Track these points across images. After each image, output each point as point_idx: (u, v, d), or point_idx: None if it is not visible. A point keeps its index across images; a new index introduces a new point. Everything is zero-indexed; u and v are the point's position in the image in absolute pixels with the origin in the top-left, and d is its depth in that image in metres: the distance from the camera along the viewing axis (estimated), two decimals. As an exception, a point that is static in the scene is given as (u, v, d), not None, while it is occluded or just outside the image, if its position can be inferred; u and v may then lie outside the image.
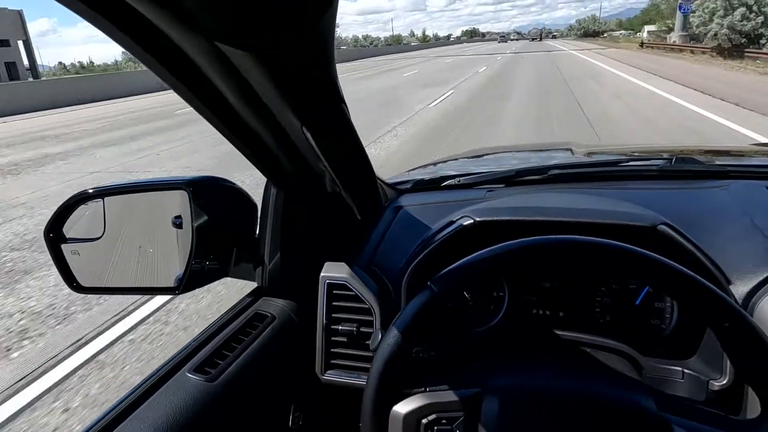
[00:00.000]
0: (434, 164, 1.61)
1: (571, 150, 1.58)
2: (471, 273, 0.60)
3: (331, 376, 0.86)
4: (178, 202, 0.84)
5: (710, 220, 0.87)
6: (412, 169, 1.50)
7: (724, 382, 0.70)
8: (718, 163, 1.25)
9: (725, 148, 2.12)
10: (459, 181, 1.18)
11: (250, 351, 0.78)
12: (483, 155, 1.75)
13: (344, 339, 0.84)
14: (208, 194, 0.84)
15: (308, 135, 0.56)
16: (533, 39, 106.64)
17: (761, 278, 0.72)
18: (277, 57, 0.45)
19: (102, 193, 0.85)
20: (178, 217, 0.85)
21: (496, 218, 0.82)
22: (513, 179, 1.15)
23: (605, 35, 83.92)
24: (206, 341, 0.79)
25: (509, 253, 0.58)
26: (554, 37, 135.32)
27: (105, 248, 0.87)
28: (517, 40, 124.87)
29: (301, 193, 0.81)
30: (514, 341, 0.88)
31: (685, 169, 1.14)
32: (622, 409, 0.57)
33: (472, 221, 0.83)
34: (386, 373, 0.59)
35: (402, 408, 0.62)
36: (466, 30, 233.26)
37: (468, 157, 1.74)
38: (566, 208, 0.84)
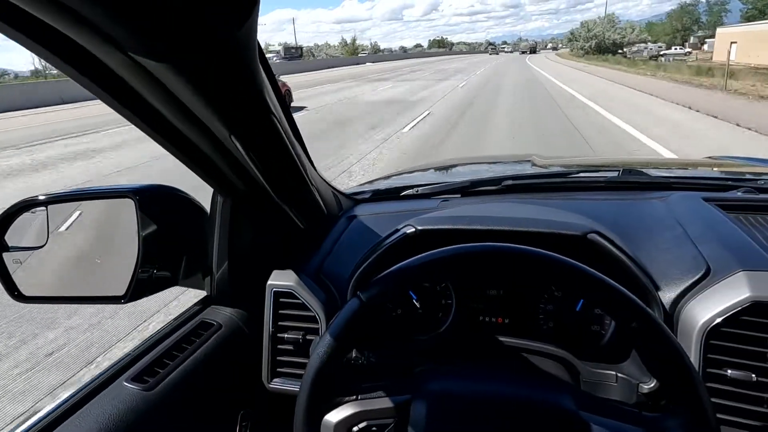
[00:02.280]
0: (397, 175, 1.64)
1: (531, 161, 1.64)
2: (399, 281, 0.61)
3: (277, 384, 0.86)
4: (124, 210, 0.84)
5: (646, 229, 0.91)
6: (374, 180, 1.53)
7: (652, 385, 0.74)
8: (661, 175, 1.31)
9: (674, 161, 2.22)
10: (417, 191, 1.21)
11: (193, 359, 0.78)
12: (447, 166, 1.79)
13: (290, 347, 0.85)
14: (156, 203, 0.84)
15: (237, 143, 0.57)
16: (523, 52, 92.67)
17: (687, 284, 0.76)
18: (194, 67, 0.45)
19: (46, 201, 0.84)
20: (125, 225, 0.84)
21: (436, 227, 0.85)
22: (468, 189, 1.19)
23: (625, 52, 54.97)
24: (147, 350, 0.78)
25: (434, 261, 0.60)
26: (555, 48, 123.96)
27: (48, 257, 0.86)
28: (510, 51, 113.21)
29: (248, 202, 0.81)
30: (460, 348, 0.90)
31: (630, 180, 1.19)
32: (544, 410, 0.60)
33: (413, 230, 0.85)
34: (317, 383, 0.59)
35: (333, 417, 0.63)
36: (434, 40, 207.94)
37: (431, 168, 1.78)
38: (504, 217, 0.88)
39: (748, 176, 1.24)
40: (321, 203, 0.78)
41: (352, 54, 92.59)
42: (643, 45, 58.80)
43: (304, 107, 13.49)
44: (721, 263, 0.75)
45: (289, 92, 13.36)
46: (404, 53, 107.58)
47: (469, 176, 1.31)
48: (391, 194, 1.22)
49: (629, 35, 61.16)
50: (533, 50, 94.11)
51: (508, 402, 0.62)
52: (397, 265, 0.61)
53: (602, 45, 58.35)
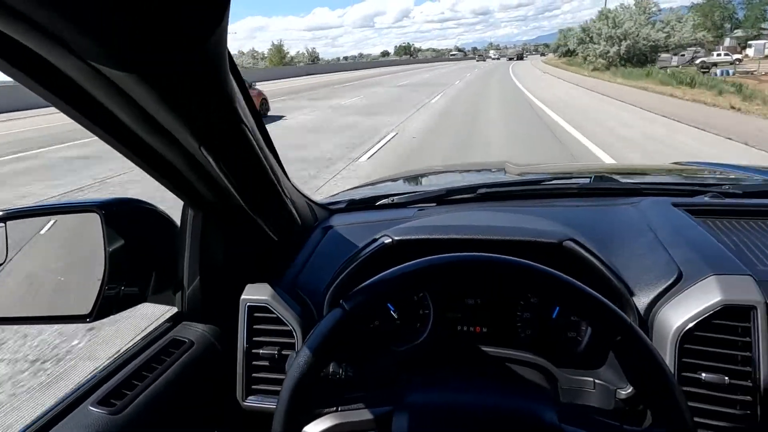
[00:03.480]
0: (372, 184, 1.64)
1: (504, 169, 1.66)
2: (381, 291, 0.60)
3: (252, 401, 0.83)
4: (89, 225, 0.81)
5: (619, 235, 0.92)
6: (350, 189, 1.51)
7: (629, 391, 0.75)
8: (632, 181, 1.34)
9: (643, 168, 2.28)
10: (392, 200, 1.21)
11: (164, 379, 0.75)
12: (422, 174, 1.80)
13: (266, 363, 0.83)
14: (123, 217, 0.81)
15: (208, 156, 0.56)
16: (510, 58, 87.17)
17: (660, 289, 0.77)
18: (160, 78, 0.44)
19: (4, 216, 0.80)
20: (90, 241, 0.81)
21: (413, 237, 0.84)
22: (444, 198, 1.19)
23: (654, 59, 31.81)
24: (115, 371, 0.75)
25: (416, 272, 0.59)
26: (543, 54, 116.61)
27: (7, 275, 0.82)
28: (497, 58, 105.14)
29: (219, 214, 0.79)
30: (439, 358, 0.90)
31: (602, 187, 1.21)
32: (526, 423, 0.59)
33: (390, 240, 0.85)
34: (296, 395, 0.58)
35: (313, 429, 0.61)
36: (400, 46, 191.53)
37: (406, 177, 1.78)
38: (480, 226, 0.88)
39: (713, 181, 1.28)
40: (295, 215, 0.77)
41: (279, 64, 72.66)
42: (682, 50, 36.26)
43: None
44: (692, 268, 0.76)
45: (265, 101, 13.27)
46: (350, 63, 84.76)
47: (444, 185, 1.31)
48: (367, 204, 1.22)
49: (679, 33, 34.54)
50: (520, 57, 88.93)
51: (490, 414, 0.61)
52: (379, 275, 0.60)
53: (635, 49, 31.77)
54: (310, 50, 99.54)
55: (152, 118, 0.51)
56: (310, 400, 0.60)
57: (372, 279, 0.61)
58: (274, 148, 0.84)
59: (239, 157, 0.59)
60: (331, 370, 0.71)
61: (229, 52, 0.63)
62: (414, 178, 1.76)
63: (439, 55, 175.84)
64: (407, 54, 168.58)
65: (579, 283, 0.57)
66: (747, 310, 0.68)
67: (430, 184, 1.50)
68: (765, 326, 0.67)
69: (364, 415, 0.62)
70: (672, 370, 0.70)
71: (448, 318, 0.92)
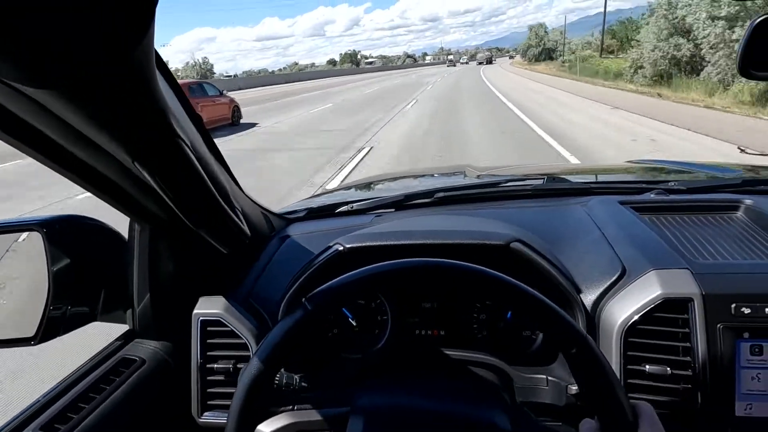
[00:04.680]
0: (332, 192, 1.64)
1: (464, 173, 1.68)
2: (334, 295, 0.59)
3: (208, 417, 0.82)
4: (33, 243, 0.78)
5: (568, 233, 0.95)
6: (310, 198, 1.51)
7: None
8: (583, 181, 1.37)
9: (596, 168, 2.35)
10: (351, 207, 1.21)
11: (112, 401, 0.73)
12: (383, 180, 1.81)
13: (221, 377, 0.82)
14: (68, 235, 0.79)
15: (142, 171, 0.55)
16: (480, 63, 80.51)
17: (606, 286, 0.79)
18: (83, 93, 0.42)
19: None
20: (33, 260, 0.79)
21: (363, 244, 0.85)
22: (402, 203, 1.20)
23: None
24: (60, 395, 0.73)
25: (370, 276, 0.59)
26: (511, 57, 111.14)
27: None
28: (466, 62, 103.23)
29: (167, 229, 0.78)
30: (398, 363, 0.90)
31: (554, 187, 1.24)
32: (477, 428, 0.60)
33: (342, 248, 0.85)
34: (247, 404, 0.56)
35: (266, 427, 0.61)
36: (346, 54, 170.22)
37: (367, 183, 1.79)
38: (430, 230, 0.89)
39: (660, 179, 1.33)
40: (243, 227, 0.76)
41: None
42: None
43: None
44: (634, 264, 0.79)
45: (237, 108, 13.12)
46: (278, 76, 59.55)
47: (403, 190, 1.32)
48: (326, 212, 1.21)
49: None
50: (489, 61, 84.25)
51: (445, 419, 0.62)
52: (339, 278, 0.60)
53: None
54: (200, 62, 75.45)
55: (82, 135, 0.50)
56: (265, 400, 0.59)
57: (334, 280, 0.60)
58: (222, 159, 0.83)
59: (175, 171, 0.58)
60: (284, 381, 0.70)
61: (165, 65, 0.62)
62: (374, 184, 1.76)
63: (387, 62, 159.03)
64: (352, 62, 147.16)
65: (536, 292, 0.57)
66: (685, 302, 0.71)
67: (390, 190, 1.51)
68: (702, 317, 0.70)
69: (321, 415, 0.61)
70: (617, 364, 0.72)
71: (407, 323, 0.93)
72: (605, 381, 0.53)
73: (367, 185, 1.76)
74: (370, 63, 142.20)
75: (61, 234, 0.77)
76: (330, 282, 0.60)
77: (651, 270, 0.76)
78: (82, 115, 0.45)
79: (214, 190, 0.63)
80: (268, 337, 0.58)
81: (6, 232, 0.81)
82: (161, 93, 0.50)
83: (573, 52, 41.67)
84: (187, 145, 0.57)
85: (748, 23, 0.59)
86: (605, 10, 37.28)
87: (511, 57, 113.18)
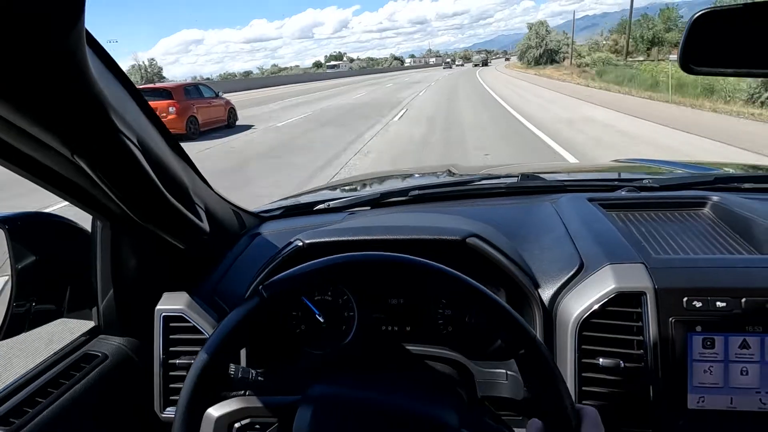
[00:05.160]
0: (313, 191, 1.64)
1: (448, 171, 1.69)
2: (289, 283, 0.60)
3: (170, 412, 0.82)
4: (-4, 241, 0.79)
5: (533, 230, 0.96)
6: (291, 196, 1.52)
7: None
8: (557, 179, 1.39)
9: (575, 166, 2.36)
10: (328, 205, 1.22)
11: (70, 396, 0.74)
12: (364, 180, 1.82)
13: (183, 373, 0.82)
14: (32, 232, 0.79)
15: (83, 164, 0.55)
16: (476, 65, 79.98)
17: (563, 280, 0.80)
18: (8, 82, 0.41)
19: None
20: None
21: (322, 239, 0.86)
22: (378, 201, 1.21)
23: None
24: (19, 389, 0.73)
25: (324, 268, 0.59)
26: (508, 59, 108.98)
27: None
28: (461, 65, 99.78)
29: (127, 225, 0.78)
30: (364, 358, 0.91)
31: (527, 185, 1.25)
32: (428, 425, 0.61)
33: (302, 244, 0.86)
34: (196, 392, 0.56)
35: (216, 411, 0.61)
36: (331, 55, 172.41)
37: (349, 182, 1.80)
38: (389, 226, 0.89)
39: (635, 177, 1.34)
40: (200, 223, 0.76)
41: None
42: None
43: None
44: (592, 258, 0.80)
45: (233, 110, 13.13)
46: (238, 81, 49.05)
47: (378, 188, 1.33)
48: (302, 210, 1.22)
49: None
50: (485, 63, 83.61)
51: (394, 413, 0.62)
52: (295, 268, 0.60)
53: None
54: (146, 64, 58.64)
55: (19, 128, 0.50)
56: (216, 388, 0.59)
57: (288, 271, 0.61)
58: (185, 155, 0.84)
59: (116, 165, 0.58)
60: (240, 375, 0.71)
61: (111, 59, 0.63)
62: (358, 183, 1.77)
63: (373, 65, 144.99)
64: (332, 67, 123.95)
65: (486, 290, 0.57)
66: (638, 296, 0.72)
67: (371, 189, 1.52)
68: (654, 311, 0.71)
69: (270, 402, 0.62)
70: (572, 357, 0.73)
71: (373, 319, 0.93)
72: (551, 383, 0.53)
73: (351, 184, 1.77)
74: (333, 67, 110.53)
75: (25, 231, 0.78)
76: (287, 271, 0.61)
77: (607, 264, 0.77)
78: (14, 109, 0.45)
79: (161, 185, 0.64)
80: (222, 324, 0.58)
81: None
82: (96, 84, 0.49)
83: (580, 55, 37.54)
84: (130, 139, 0.57)
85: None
86: (631, 7, 32.67)
87: (507, 59, 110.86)
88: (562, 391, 0.53)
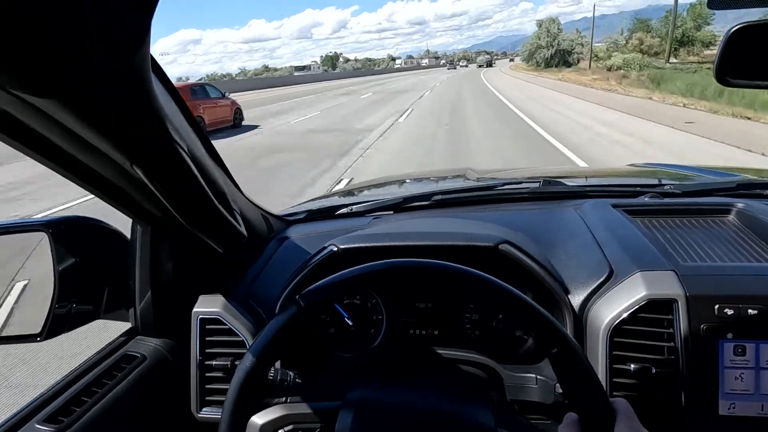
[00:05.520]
0: (334, 195, 1.66)
1: (464, 176, 1.70)
2: (326, 292, 0.61)
3: (206, 413, 0.84)
4: (39, 243, 0.81)
5: (559, 236, 0.97)
6: (311, 200, 1.54)
7: None
8: (578, 184, 1.40)
9: (595, 171, 2.37)
10: (351, 209, 1.24)
11: (114, 395, 0.76)
12: (383, 184, 1.83)
13: (219, 374, 0.84)
14: (73, 235, 0.82)
15: (139, 173, 0.57)
16: (480, 65, 79.15)
17: (593, 287, 0.81)
18: (82, 101, 0.44)
19: None
20: (39, 259, 0.81)
21: (357, 245, 0.87)
22: (400, 206, 1.22)
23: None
24: (64, 389, 0.75)
25: (361, 275, 0.61)
26: (512, 60, 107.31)
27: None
28: (466, 66, 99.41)
29: (167, 229, 0.80)
30: (392, 361, 0.92)
31: (550, 191, 1.27)
32: (465, 425, 0.62)
33: (336, 249, 0.87)
34: (240, 397, 0.58)
35: (260, 419, 0.63)
36: (327, 56, 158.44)
37: (368, 186, 1.81)
38: (421, 232, 0.91)
39: (656, 183, 1.35)
40: (239, 228, 0.78)
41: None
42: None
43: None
44: (621, 265, 0.81)
45: (239, 110, 13.20)
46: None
47: (404, 193, 1.34)
48: (326, 214, 1.24)
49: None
50: (489, 64, 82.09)
51: (432, 416, 0.64)
52: (332, 276, 0.62)
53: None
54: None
55: (83, 139, 0.52)
56: (259, 394, 0.62)
57: (327, 278, 0.62)
58: (222, 162, 0.86)
59: (171, 174, 0.60)
60: (279, 377, 0.72)
61: (162, 70, 0.65)
62: (376, 187, 1.79)
63: (367, 66, 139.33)
64: (333, 67, 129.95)
65: (520, 293, 0.59)
66: (669, 303, 0.73)
67: (390, 193, 1.54)
68: (686, 318, 0.72)
69: (311, 408, 0.64)
70: (603, 363, 0.74)
71: (401, 322, 0.95)
72: (585, 379, 0.55)
73: (369, 188, 1.79)
74: (303, 68, 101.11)
75: (66, 234, 0.80)
76: (323, 280, 0.62)
77: (637, 272, 0.78)
78: (82, 121, 0.47)
79: (210, 192, 0.66)
80: (262, 332, 0.60)
81: (13, 232, 0.83)
82: (158, 99, 0.52)
83: (597, 56, 33.86)
84: (183, 149, 0.59)
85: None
86: (676, 4, 28.73)
87: (511, 60, 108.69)
88: (596, 386, 0.55)
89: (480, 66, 78.28)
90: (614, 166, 4.57)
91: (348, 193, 1.72)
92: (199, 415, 0.85)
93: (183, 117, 0.68)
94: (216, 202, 0.68)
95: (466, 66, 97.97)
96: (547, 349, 0.57)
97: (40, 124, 0.50)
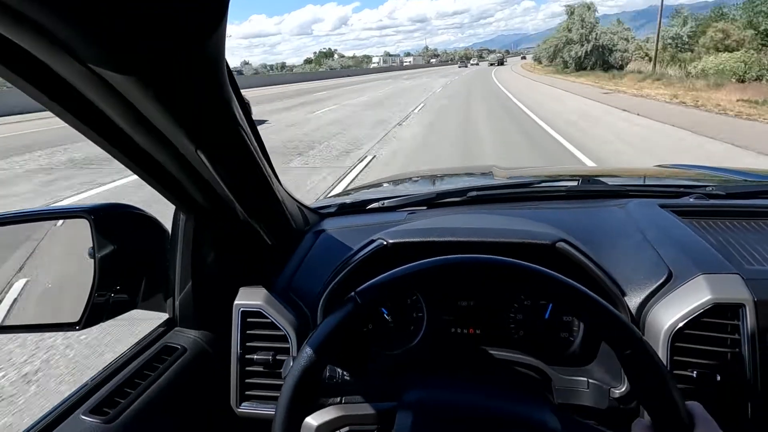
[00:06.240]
0: (361, 189, 1.64)
1: (491, 173, 1.67)
2: (391, 287, 0.59)
3: (246, 408, 0.83)
4: (78, 231, 0.79)
5: (608, 235, 0.94)
6: (338, 194, 1.51)
7: (623, 389, 0.76)
8: (618, 183, 1.36)
9: (627, 170, 2.32)
10: (382, 204, 1.21)
11: (157, 387, 0.74)
12: (409, 179, 1.80)
13: (260, 368, 0.82)
14: (113, 222, 0.80)
15: (203, 158, 0.55)
16: (491, 64, 78.85)
17: (651, 290, 0.78)
18: (159, 79, 0.43)
19: None
20: (79, 247, 0.79)
21: (407, 240, 0.85)
22: (434, 201, 1.19)
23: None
24: (107, 379, 0.74)
25: (425, 271, 0.59)
26: (524, 57, 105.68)
27: (-8, 283, 0.79)
28: (476, 64, 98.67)
29: (212, 219, 0.78)
30: (433, 360, 0.90)
31: (589, 189, 1.23)
32: (529, 427, 0.60)
33: (384, 243, 0.85)
34: (299, 387, 0.56)
35: (315, 420, 0.61)
36: (321, 52, 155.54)
37: (394, 181, 1.79)
38: (473, 228, 0.88)
39: (697, 183, 1.31)
40: (290, 218, 0.76)
41: None
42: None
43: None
44: (681, 267, 0.78)
45: (247, 104, 13.14)
46: None
47: (432, 188, 1.32)
48: (357, 208, 1.22)
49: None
50: (501, 62, 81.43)
51: (494, 416, 0.62)
52: (385, 274, 0.59)
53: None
54: None
55: (148, 121, 0.50)
56: (314, 392, 0.59)
57: (385, 274, 0.60)
58: (266, 152, 0.83)
59: (236, 160, 0.58)
60: (328, 374, 0.70)
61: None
62: (401, 182, 1.76)
63: (361, 63, 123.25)
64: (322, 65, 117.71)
65: (595, 295, 0.56)
66: (736, 308, 0.70)
67: (419, 188, 1.51)
68: (753, 324, 0.69)
69: (367, 409, 0.62)
70: None
71: (442, 320, 0.92)
72: (661, 382, 0.52)
73: (394, 183, 1.76)
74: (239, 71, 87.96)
75: (107, 221, 0.78)
76: (381, 276, 0.60)
77: (699, 275, 0.75)
78: (156, 101, 0.46)
79: (271, 178, 0.64)
80: (320, 329, 0.58)
81: (55, 218, 0.82)
82: (227, 83, 0.50)
83: (647, 55, 25.79)
84: (246, 134, 0.57)
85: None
86: None
87: (523, 57, 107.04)
88: (674, 389, 0.52)
89: (491, 64, 78.34)
90: (640, 167, 4.51)
91: (374, 187, 1.69)
92: (239, 410, 0.83)
93: (240, 103, 0.66)
94: (275, 190, 0.66)
95: (477, 64, 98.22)
96: (620, 350, 0.54)
97: (108, 102, 0.48)
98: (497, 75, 36.27)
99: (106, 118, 0.51)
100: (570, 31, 34.99)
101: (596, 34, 33.39)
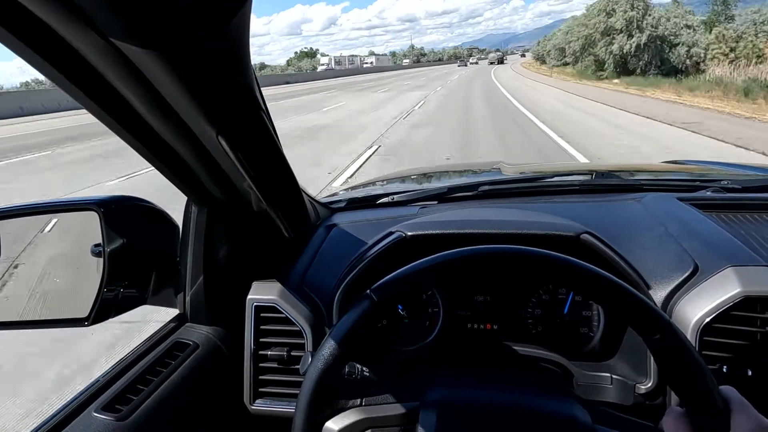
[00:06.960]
0: (370, 183, 1.62)
1: (499, 168, 1.65)
2: (409, 282, 0.57)
3: (260, 405, 0.80)
4: (87, 224, 0.77)
5: (627, 229, 0.92)
6: (347, 189, 1.49)
7: (650, 384, 0.73)
8: (633, 177, 1.34)
9: (638, 166, 2.30)
10: (393, 198, 1.19)
11: (169, 383, 0.72)
12: (417, 174, 1.79)
13: (274, 365, 0.80)
14: (123, 215, 0.78)
15: (224, 144, 0.53)
16: (491, 62, 77.96)
17: (677, 282, 0.76)
18: (183, 57, 0.41)
19: None
20: (87, 240, 0.77)
21: (426, 232, 0.82)
22: (445, 196, 1.17)
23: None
24: (118, 375, 0.72)
25: (447, 263, 0.56)
26: (523, 55, 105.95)
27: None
28: (476, 63, 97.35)
29: (225, 212, 0.76)
30: (450, 356, 0.88)
31: (604, 183, 1.21)
32: (560, 423, 0.58)
33: (403, 236, 0.83)
34: (319, 388, 0.54)
35: (335, 424, 0.59)
36: (302, 52, 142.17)
37: (402, 176, 1.77)
38: (494, 220, 0.86)
39: (712, 177, 1.29)
40: (310, 209, 0.74)
41: None
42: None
43: None
44: (708, 260, 0.76)
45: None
46: None
47: (441, 183, 1.30)
48: (367, 202, 1.20)
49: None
50: (501, 61, 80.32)
51: (522, 412, 0.60)
52: (408, 266, 0.57)
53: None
54: None
55: (165, 103, 0.48)
56: (333, 393, 0.58)
57: (400, 270, 0.57)
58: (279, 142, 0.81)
59: (257, 146, 0.56)
60: (347, 370, 0.68)
61: None
62: (410, 178, 1.74)
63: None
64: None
65: (619, 280, 0.54)
66: (767, 300, 0.68)
67: (429, 183, 1.49)
68: None
69: (389, 410, 0.60)
70: None
71: (458, 316, 0.90)
72: (693, 367, 0.50)
73: (402, 178, 1.74)
74: None
75: (117, 214, 0.76)
76: (397, 271, 0.58)
77: (728, 267, 0.73)
78: (177, 80, 0.44)
79: (290, 169, 0.62)
80: (338, 327, 0.56)
81: (65, 210, 0.80)
82: (251, 66, 0.49)
83: (733, 50, 17.73)
84: (269, 119, 0.55)
85: None
86: None
87: (523, 56, 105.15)
88: (707, 374, 0.50)
89: (491, 63, 77.99)
90: (649, 163, 4.47)
91: (383, 182, 1.67)
92: (253, 407, 0.81)
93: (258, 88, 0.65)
94: (296, 180, 0.64)
95: (477, 63, 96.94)
96: (649, 335, 0.52)
97: (130, 85, 0.46)
98: (503, 83, 24.80)
99: (126, 105, 0.50)
100: (610, 15, 22.69)
101: (654, 19, 21.74)
